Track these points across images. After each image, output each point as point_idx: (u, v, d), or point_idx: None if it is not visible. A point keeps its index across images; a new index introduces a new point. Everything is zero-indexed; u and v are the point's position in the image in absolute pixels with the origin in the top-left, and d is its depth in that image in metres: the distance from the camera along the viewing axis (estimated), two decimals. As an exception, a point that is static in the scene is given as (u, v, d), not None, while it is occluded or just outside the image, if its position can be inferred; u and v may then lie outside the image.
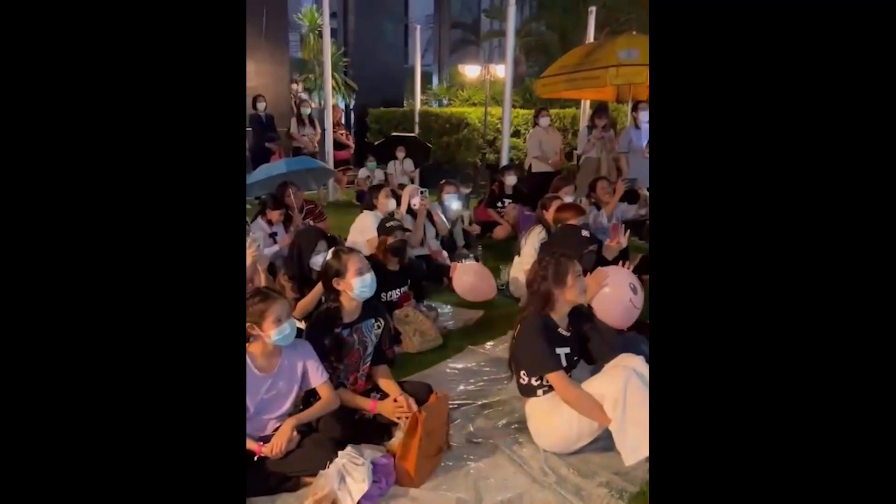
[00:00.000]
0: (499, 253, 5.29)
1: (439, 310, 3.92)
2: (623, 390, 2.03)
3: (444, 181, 5.41)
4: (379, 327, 2.51)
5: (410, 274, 3.75)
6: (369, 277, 2.40)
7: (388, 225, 3.57)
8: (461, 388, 2.87)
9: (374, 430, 2.31)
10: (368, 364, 2.47)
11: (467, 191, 6.41)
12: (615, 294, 2.72)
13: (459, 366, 3.16)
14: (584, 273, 2.89)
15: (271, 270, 3.64)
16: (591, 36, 8.62)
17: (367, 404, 2.33)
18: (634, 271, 4.41)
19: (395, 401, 2.29)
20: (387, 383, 2.43)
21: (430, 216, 4.82)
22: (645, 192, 5.56)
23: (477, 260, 4.73)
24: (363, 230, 4.40)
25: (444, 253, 4.79)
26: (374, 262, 3.56)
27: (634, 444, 2.01)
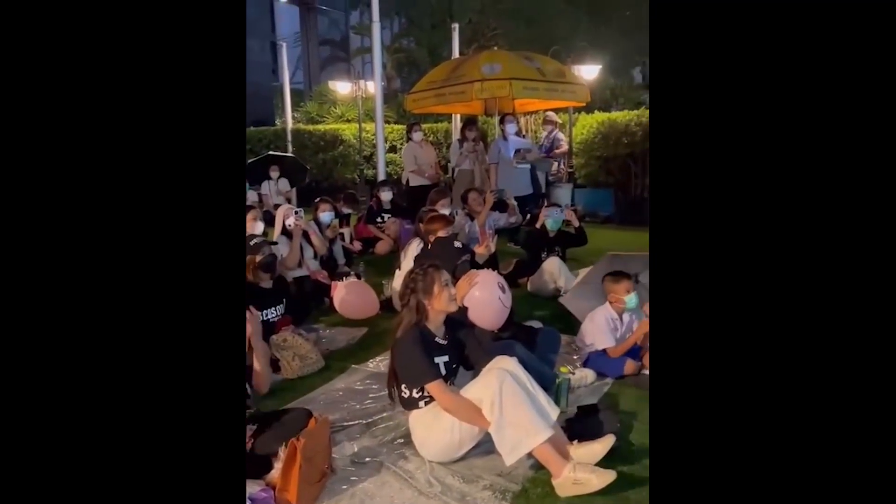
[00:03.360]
0: (382, 268, 5.28)
1: (320, 331, 3.82)
2: (498, 392, 2.09)
3: (318, 199, 5.32)
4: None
5: (285, 291, 3.64)
6: None
7: (252, 244, 3.45)
8: (345, 407, 2.82)
9: (252, 465, 2.19)
10: (242, 395, 2.35)
11: (350, 211, 6.34)
12: (484, 294, 2.83)
13: (343, 385, 3.10)
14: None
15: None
16: (456, 51, 8.91)
17: (243, 438, 2.21)
18: (511, 274, 4.63)
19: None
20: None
21: (306, 236, 4.71)
22: (512, 202, 5.83)
23: (358, 277, 4.68)
24: None
25: (324, 272, 4.70)
26: (247, 284, 3.42)
27: (513, 444, 2.07)
